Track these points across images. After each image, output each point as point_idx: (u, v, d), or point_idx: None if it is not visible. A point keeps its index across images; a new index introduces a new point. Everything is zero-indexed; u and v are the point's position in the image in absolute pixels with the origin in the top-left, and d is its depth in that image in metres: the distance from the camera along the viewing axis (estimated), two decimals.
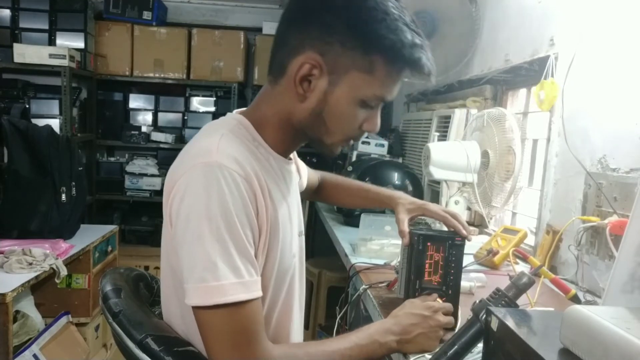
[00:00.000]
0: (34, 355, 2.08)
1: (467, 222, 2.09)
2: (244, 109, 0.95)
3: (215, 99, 3.96)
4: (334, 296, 2.74)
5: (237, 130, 0.87)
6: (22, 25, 3.44)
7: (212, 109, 3.94)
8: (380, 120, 0.89)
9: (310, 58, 0.80)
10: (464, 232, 1.06)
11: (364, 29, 0.79)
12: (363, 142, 2.79)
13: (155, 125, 3.93)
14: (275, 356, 0.80)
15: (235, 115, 0.91)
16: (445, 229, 1.13)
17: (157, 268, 3.41)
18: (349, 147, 0.96)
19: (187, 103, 3.95)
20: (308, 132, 0.88)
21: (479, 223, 2.16)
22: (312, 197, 1.36)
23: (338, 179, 1.38)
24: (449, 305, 0.97)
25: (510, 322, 0.70)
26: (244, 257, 0.77)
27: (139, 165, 3.82)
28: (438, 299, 0.99)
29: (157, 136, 3.78)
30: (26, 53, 3.21)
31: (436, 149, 1.77)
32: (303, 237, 1.06)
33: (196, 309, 0.77)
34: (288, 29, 0.85)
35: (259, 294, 0.80)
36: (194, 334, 0.84)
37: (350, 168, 2.29)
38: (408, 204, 1.18)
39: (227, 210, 0.76)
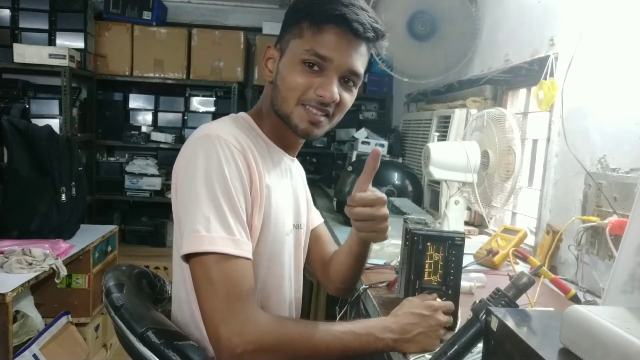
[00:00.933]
0: (34, 355, 2.08)
1: (467, 223, 2.11)
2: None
3: (215, 99, 3.96)
4: (334, 296, 2.73)
5: (237, 121, 1.00)
6: (22, 25, 3.44)
7: (212, 109, 3.94)
8: (335, 88, 0.94)
9: (269, 46, 1.01)
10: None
11: (294, 7, 0.97)
12: (363, 142, 2.79)
13: (155, 125, 3.93)
14: (264, 319, 0.82)
15: (236, 114, 1.04)
16: (445, 228, 1.13)
17: (157, 268, 3.43)
18: (317, 127, 0.97)
19: (187, 103, 3.95)
20: (276, 109, 0.98)
21: (479, 223, 2.16)
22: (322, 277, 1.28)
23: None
24: (449, 304, 0.97)
25: (510, 322, 0.70)
26: (236, 219, 0.85)
27: (139, 165, 3.82)
28: (437, 298, 0.99)
29: (157, 136, 3.78)
30: (26, 53, 3.21)
31: (436, 149, 1.77)
32: (302, 231, 1.08)
33: (190, 259, 0.83)
34: None
35: (249, 255, 0.85)
36: (201, 329, 0.88)
37: (350, 168, 2.28)
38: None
39: (223, 175, 0.85)
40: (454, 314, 1.02)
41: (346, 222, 2.16)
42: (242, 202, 0.87)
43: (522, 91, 2.04)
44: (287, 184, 1.05)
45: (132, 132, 3.76)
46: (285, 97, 0.96)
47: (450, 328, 1.01)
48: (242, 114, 1.04)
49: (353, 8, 0.92)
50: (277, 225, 0.98)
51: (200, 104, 3.97)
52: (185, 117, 3.93)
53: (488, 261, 1.53)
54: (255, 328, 0.80)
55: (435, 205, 2.26)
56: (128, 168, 3.82)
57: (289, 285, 1.08)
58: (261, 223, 0.93)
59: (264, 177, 0.93)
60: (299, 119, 0.96)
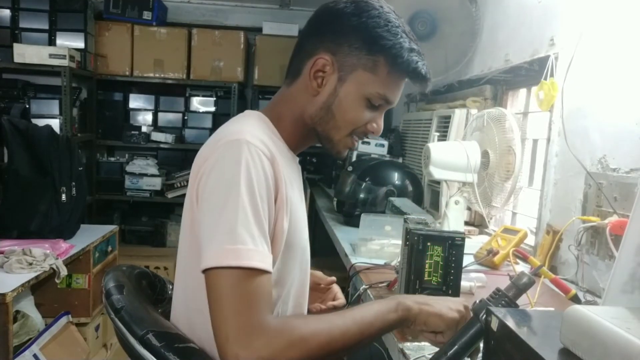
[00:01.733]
0: (34, 355, 2.08)
1: (467, 223, 2.11)
2: (261, 109, 1.02)
3: (215, 99, 3.96)
4: None
5: (260, 122, 0.95)
6: (22, 25, 3.43)
7: (212, 109, 3.94)
8: (382, 122, 0.98)
9: (323, 56, 0.92)
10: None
11: (369, 32, 0.90)
12: (363, 142, 2.79)
13: (155, 125, 3.93)
14: (272, 326, 0.77)
15: (253, 111, 0.98)
16: (445, 228, 1.13)
17: (157, 268, 3.43)
18: (352, 150, 1.02)
19: (187, 103, 3.95)
20: (318, 128, 0.96)
21: (479, 223, 2.16)
22: None
23: None
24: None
25: (510, 322, 0.70)
26: (261, 229, 0.80)
27: (139, 165, 3.82)
28: None
29: (157, 136, 3.78)
30: (26, 53, 3.20)
31: (436, 149, 1.77)
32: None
33: (208, 272, 0.78)
34: (304, 39, 0.97)
35: (270, 267, 0.80)
36: (199, 334, 0.87)
37: (350, 168, 2.28)
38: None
39: (250, 182, 0.81)
40: None
41: (346, 222, 2.16)
42: (266, 212, 0.83)
43: (522, 91, 2.04)
44: (298, 182, 1.02)
45: (132, 132, 3.75)
46: (340, 126, 0.95)
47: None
48: (260, 114, 0.98)
49: (423, 57, 0.94)
50: (302, 231, 0.96)
51: (200, 104, 3.97)
52: (186, 117, 3.93)
53: (488, 261, 1.53)
54: (263, 337, 0.75)
55: (435, 205, 2.26)
56: (128, 168, 3.82)
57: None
58: (288, 229, 0.90)
59: (289, 184, 0.90)
60: (343, 146, 0.98)
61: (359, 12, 0.91)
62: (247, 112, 0.99)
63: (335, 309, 1.16)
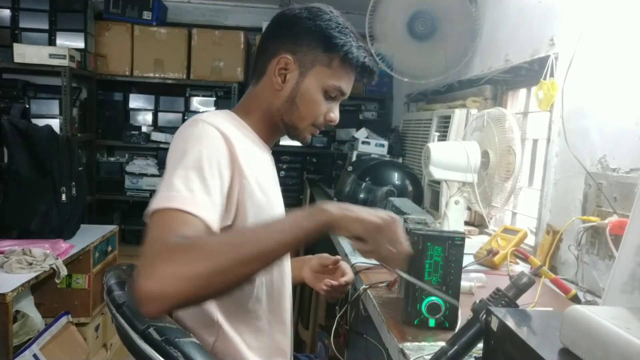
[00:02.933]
0: (34, 355, 2.09)
1: (467, 223, 2.11)
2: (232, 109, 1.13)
3: (215, 99, 3.96)
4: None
5: (225, 115, 1.06)
6: (22, 25, 3.43)
7: (212, 109, 3.93)
8: (338, 112, 1.12)
9: (285, 56, 1.05)
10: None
11: (323, 33, 1.04)
12: (363, 142, 2.79)
13: (155, 125, 3.93)
14: (172, 240, 0.76)
15: (224, 110, 1.10)
16: (445, 228, 1.13)
17: None
18: (313, 135, 1.14)
19: (187, 103, 3.95)
20: (284, 118, 1.08)
21: (479, 223, 2.16)
22: None
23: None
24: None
25: (510, 322, 0.70)
26: (203, 187, 0.85)
27: (139, 165, 3.82)
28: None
29: (157, 136, 3.78)
30: (26, 53, 3.21)
31: (436, 149, 1.77)
32: None
33: (149, 218, 0.83)
34: (266, 43, 1.10)
35: (206, 215, 0.82)
36: (200, 326, 0.93)
37: (350, 168, 2.28)
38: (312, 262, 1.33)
39: (199, 148, 0.89)
40: (455, 313, 1.02)
41: None
42: (217, 179, 0.88)
43: (522, 91, 2.04)
44: (269, 170, 1.11)
45: (132, 132, 3.75)
46: (303, 116, 1.07)
47: (451, 328, 1.01)
48: (228, 111, 1.09)
49: (370, 54, 1.09)
50: (274, 209, 1.04)
51: (200, 104, 3.97)
52: (186, 117, 3.92)
53: (488, 261, 1.53)
54: (166, 256, 0.73)
55: (435, 205, 2.26)
56: (128, 168, 3.82)
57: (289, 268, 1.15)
58: (258, 205, 0.98)
59: (253, 163, 0.99)
60: (307, 134, 1.11)
61: (313, 16, 1.05)
62: (216, 111, 1.10)
63: (347, 285, 1.23)
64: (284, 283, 1.12)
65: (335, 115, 1.10)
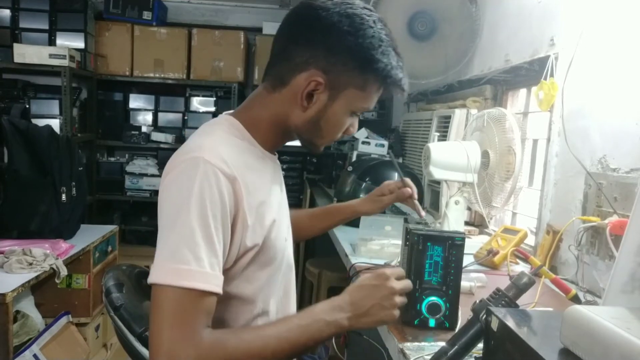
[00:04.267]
0: (34, 355, 2.09)
1: (467, 223, 2.11)
2: (234, 110, 1.01)
3: (215, 99, 3.96)
4: (334, 296, 2.73)
5: (228, 130, 0.94)
6: (22, 25, 3.43)
7: (212, 109, 3.94)
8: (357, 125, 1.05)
9: (316, 76, 0.90)
10: (422, 212, 1.31)
11: (364, 54, 0.90)
12: (363, 142, 2.79)
13: (155, 125, 3.93)
14: (205, 342, 0.78)
15: (226, 117, 0.97)
16: (445, 228, 1.13)
17: None
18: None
19: (187, 103, 3.95)
20: (302, 135, 0.98)
21: (479, 223, 2.16)
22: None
23: (301, 211, 1.45)
24: (400, 270, 0.94)
25: (510, 322, 0.70)
26: (210, 251, 0.81)
27: (139, 165, 3.82)
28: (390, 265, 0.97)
29: (157, 136, 3.78)
30: (26, 53, 3.20)
31: (436, 149, 1.77)
32: (289, 227, 1.10)
33: (153, 286, 0.79)
34: (292, 46, 0.92)
35: (216, 289, 0.81)
36: None
37: (350, 168, 2.28)
38: (364, 197, 1.43)
39: (202, 202, 0.81)
40: (454, 313, 1.02)
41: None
42: (220, 232, 0.83)
43: (522, 91, 2.04)
44: (273, 183, 1.01)
45: (132, 132, 3.75)
46: (324, 136, 0.98)
47: (451, 328, 1.01)
48: (232, 120, 0.96)
49: (404, 70, 0.97)
50: (278, 237, 0.97)
51: (200, 104, 3.97)
52: (186, 117, 3.93)
53: (488, 261, 1.53)
54: (193, 351, 0.77)
55: (435, 205, 2.26)
56: (128, 168, 3.82)
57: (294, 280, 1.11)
58: (262, 239, 0.91)
59: (253, 193, 0.89)
60: (322, 147, 1.02)
61: (355, 30, 0.89)
62: (220, 117, 0.98)
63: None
64: (289, 297, 1.07)
65: (354, 129, 1.02)
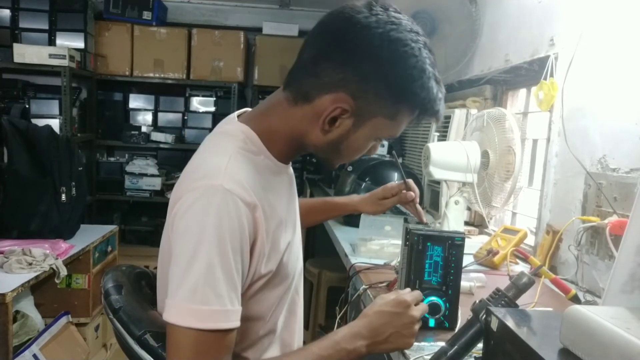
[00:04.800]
0: (34, 355, 2.08)
1: (467, 223, 2.11)
2: (249, 114, 0.93)
3: (215, 99, 3.96)
4: (334, 296, 2.74)
5: (245, 146, 0.87)
6: (22, 25, 3.43)
7: (212, 109, 3.94)
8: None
9: (343, 101, 0.82)
10: (424, 218, 1.27)
11: (402, 86, 0.82)
12: None
13: (155, 125, 3.93)
14: None
15: (240, 127, 0.89)
16: (445, 228, 1.13)
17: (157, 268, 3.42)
18: None
19: (187, 103, 3.95)
20: (320, 154, 0.92)
21: (478, 223, 2.16)
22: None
23: (304, 201, 1.38)
24: (418, 294, 0.93)
25: (510, 322, 0.70)
26: (229, 285, 0.77)
27: (139, 165, 3.82)
28: (408, 289, 0.95)
29: (157, 136, 3.78)
30: (26, 53, 3.20)
31: (436, 149, 1.77)
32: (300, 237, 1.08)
33: (170, 324, 0.76)
34: (322, 61, 0.83)
35: (237, 324, 0.79)
36: None
37: (350, 168, 2.28)
38: (365, 196, 1.40)
39: (222, 235, 0.76)
40: (454, 313, 1.02)
41: (346, 222, 2.16)
42: (239, 264, 0.79)
43: (522, 91, 2.04)
44: (287, 195, 0.98)
45: (132, 132, 3.75)
46: (343, 157, 0.93)
47: (451, 328, 1.01)
48: (247, 131, 0.88)
49: (443, 97, 0.89)
50: (290, 258, 0.94)
51: (200, 104, 3.97)
52: (185, 117, 3.93)
53: (488, 261, 1.53)
54: None
55: (435, 205, 2.26)
56: (128, 168, 3.82)
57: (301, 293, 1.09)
58: (276, 265, 0.88)
59: (270, 217, 0.85)
60: (338, 165, 0.98)
61: (396, 60, 0.80)
62: (234, 126, 0.90)
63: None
64: (295, 317, 1.05)
65: (376, 150, 0.96)
